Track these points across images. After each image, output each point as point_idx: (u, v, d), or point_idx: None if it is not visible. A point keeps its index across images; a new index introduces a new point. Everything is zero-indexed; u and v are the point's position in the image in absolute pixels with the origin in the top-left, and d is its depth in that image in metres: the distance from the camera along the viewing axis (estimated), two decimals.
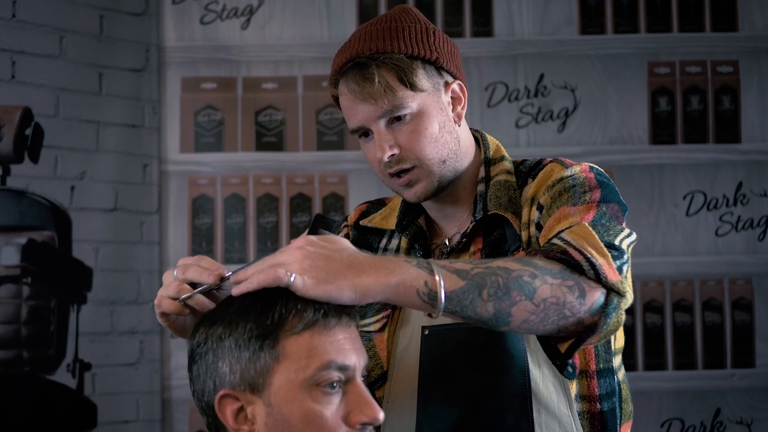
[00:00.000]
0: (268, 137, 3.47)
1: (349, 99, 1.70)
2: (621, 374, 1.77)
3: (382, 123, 1.69)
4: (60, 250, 3.25)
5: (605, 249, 1.52)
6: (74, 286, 3.27)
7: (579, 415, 1.69)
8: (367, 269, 1.39)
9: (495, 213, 1.72)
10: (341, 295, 1.37)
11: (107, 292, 3.33)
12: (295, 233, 3.43)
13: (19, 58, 3.19)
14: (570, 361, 1.56)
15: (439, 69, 1.72)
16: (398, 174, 1.71)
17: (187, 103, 3.46)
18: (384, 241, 1.84)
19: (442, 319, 1.48)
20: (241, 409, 1.38)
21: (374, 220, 1.86)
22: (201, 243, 3.42)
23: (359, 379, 1.40)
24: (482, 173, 1.76)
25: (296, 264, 1.36)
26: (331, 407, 1.37)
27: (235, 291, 1.40)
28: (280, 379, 1.36)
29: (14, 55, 3.18)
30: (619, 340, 1.76)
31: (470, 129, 1.81)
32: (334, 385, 1.37)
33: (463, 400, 1.67)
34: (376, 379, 1.75)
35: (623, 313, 1.52)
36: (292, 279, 1.35)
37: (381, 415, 1.39)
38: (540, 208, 1.68)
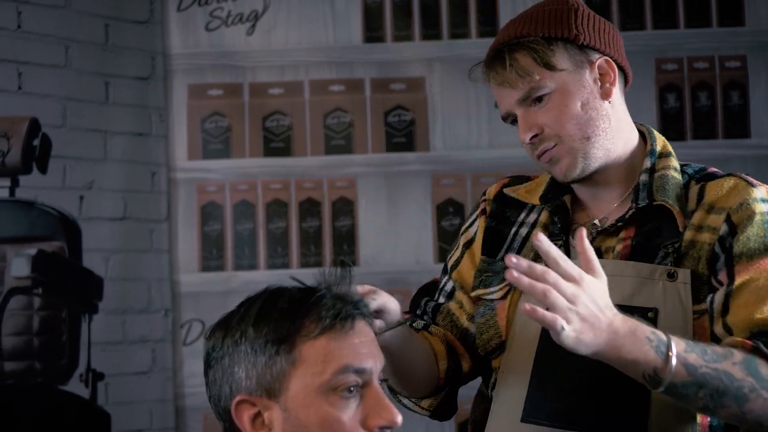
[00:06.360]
0: (276, 143, 3.47)
1: (494, 87, 1.74)
2: None
3: (523, 106, 1.71)
4: (70, 260, 3.24)
5: None
6: (85, 295, 3.27)
7: (698, 425, 1.65)
8: (615, 343, 1.49)
9: (656, 204, 1.70)
10: (585, 353, 1.49)
11: (118, 301, 3.32)
12: (304, 238, 3.43)
13: (25, 68, 3.19)
14: None
15: (582, 47, 1.72)
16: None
17: (194, 110, 3.46)
18: (523, 215, 1.82)
19: None
20: (258, 414, 1.38)
21: (518, 191, 1.84)
22: (211, 250, 3.41)
23: (376, 383, 1.40)
24: (647, 164, 1.74)
25: (574, 315, 1.46)
26: (349, 411, 1.36)
27: (512, 279, 1.47)
28: (297, 384, 1.36)
29: (20, 66, 3.18)
30: None
31: (635, 123, 1.79)
32: (351, 389, 1.36)
33: (578, 386, 1.64)
34: (494, 348, 1.75)
35: None
36: (562, 332, 1.45)
37: (399, 418, 1.38)
38: (731, 226, 1.65)
